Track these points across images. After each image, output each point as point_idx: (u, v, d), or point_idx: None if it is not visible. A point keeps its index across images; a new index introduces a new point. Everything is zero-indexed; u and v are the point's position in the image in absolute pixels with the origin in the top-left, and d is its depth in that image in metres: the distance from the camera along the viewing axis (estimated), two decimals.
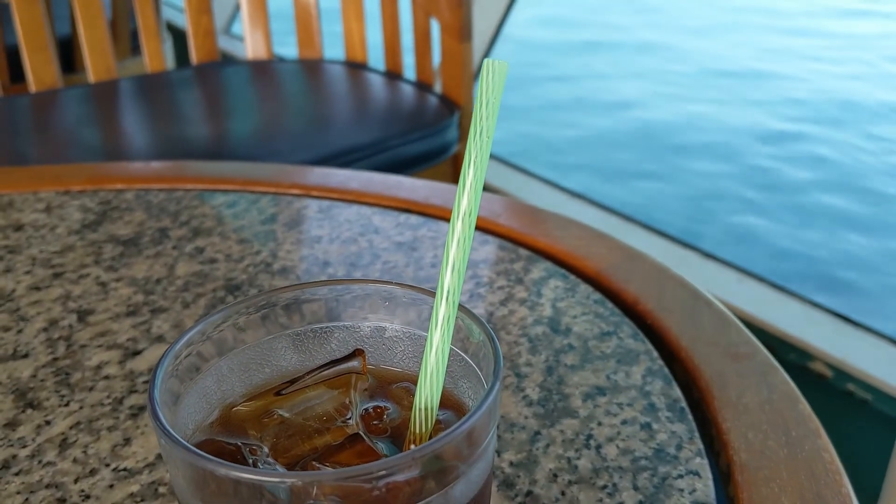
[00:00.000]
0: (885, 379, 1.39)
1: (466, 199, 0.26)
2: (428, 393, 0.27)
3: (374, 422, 0.28)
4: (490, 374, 0.27)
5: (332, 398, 0.28)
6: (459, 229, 0.27)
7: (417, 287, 0.31)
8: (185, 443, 0.23)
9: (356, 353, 0.30)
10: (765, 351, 0.55)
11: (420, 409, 0.27)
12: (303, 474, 0.24)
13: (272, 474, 0.24)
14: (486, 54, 2.49)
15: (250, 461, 0.25)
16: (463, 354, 0.29)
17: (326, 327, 0.31)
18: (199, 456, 0.23)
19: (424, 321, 0.32)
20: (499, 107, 0.26)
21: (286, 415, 0.27)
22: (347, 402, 0.28)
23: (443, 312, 0.27)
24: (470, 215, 0.27)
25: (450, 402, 0.29)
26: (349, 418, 0.28)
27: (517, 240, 0.70)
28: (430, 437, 0.27)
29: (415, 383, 0.27)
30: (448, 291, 0.27)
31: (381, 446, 0.27)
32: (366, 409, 0.29)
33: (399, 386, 0.30)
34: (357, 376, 0.30)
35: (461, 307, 0.28)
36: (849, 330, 1.52)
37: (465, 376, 0.30)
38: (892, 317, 2.14)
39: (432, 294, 0.28)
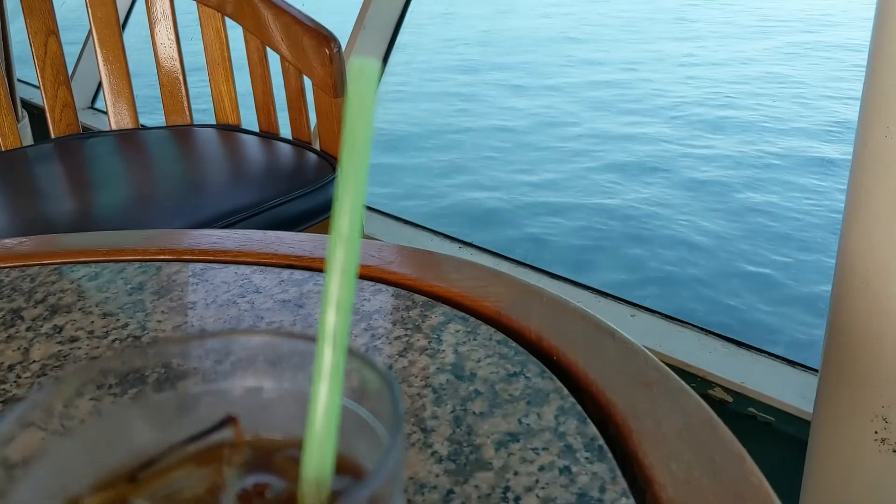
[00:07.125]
0: (785, 399, 1.41)
1: (347, 221, 0.22)
2: (317, 459, 0.23)
3: (256, 501, 0.23)
4: (391, 427, 0.23)
5: (202, 478, 0.24)
6: (341, 257, 0.23)
7: (299, 334, 0.26)
8: None
9: (227, 421, 0.25)
10: (674, 375, 0.53)
11: (310, 481, 0.23)
12: None
13: None
14: (389, 48, 2.45)
15: None
16: (357, 409, 0.25)
17: (190, 394, 0.26)
18: None
19: (310, 375, 0.26)
20: (373, 111, 0.22)
21: None
22: (220, 482, 0.23)
23: (328, 359, 0.23)
24: (352, 240, 0.23)
25: (346, 467, 0.25)
26: (224, 501, 0.23)
27: (411, 286, 0.66)
28: None
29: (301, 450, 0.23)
30: (333, 334, 0.23)
31: None
32: (244, 489, 0.24)
33: (284, 455, 0.25)
34: (230, 449, 0.25)
35: (352, 351, 0.24)
36: (743, 353, 1.55)
37: (363, 435, 0.25)
38: None
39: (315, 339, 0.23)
